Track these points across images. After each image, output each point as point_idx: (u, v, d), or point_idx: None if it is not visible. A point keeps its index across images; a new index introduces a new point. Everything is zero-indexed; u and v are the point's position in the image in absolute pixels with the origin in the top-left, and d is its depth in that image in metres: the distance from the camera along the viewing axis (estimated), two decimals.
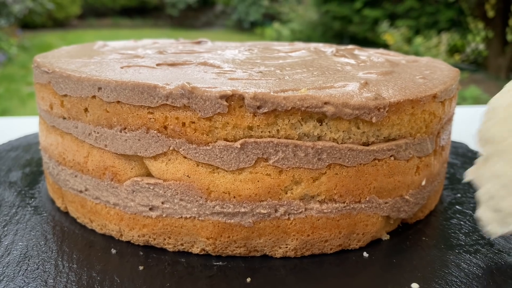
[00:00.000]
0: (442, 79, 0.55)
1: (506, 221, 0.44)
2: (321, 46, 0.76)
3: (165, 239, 0.49)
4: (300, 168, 0.45)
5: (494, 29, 4.79)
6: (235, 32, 8.91)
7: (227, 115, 0.43)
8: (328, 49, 0.70)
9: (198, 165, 0.45)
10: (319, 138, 0.45)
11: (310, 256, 0.49)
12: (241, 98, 0.43)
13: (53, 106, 0.52)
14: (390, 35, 5.26)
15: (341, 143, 0.45)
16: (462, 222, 0.56)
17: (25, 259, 0.47)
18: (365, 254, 0.49)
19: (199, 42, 0.79)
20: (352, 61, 0.61)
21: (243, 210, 0.46)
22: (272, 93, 0.43)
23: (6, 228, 0.53)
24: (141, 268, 0.46)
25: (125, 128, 0.46)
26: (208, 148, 0.44)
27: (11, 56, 5.12)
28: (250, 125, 0.44)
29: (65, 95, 0.50)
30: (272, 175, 0.45)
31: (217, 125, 0.44)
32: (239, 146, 0.44)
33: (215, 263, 0.47)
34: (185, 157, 0.45)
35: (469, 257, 0.49)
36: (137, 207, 0.48)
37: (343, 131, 0.45)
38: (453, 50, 5.17)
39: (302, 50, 0.68)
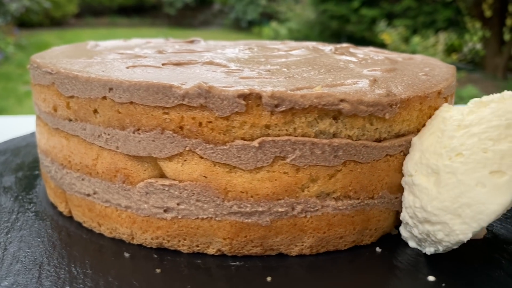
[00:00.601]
0: (443, 76, 0.57)
1: (421, 244, 0.48)
2: (315, 44, 0.76)
3: (179, 241, 0.48)
4: (316, 165, 0.45)
5: (491, 29, 4.80)
6: (233, 31, 8.87)
7: (245, 114, 0.43)
8: (326, 47, 0.71)
9: (215, 165, 0.45)
10: (334, 135, 0.45)
11: (324, 253, 0.49)
12: (259, 97, 0.43)
13: (57, 108, 0.51)
14: (388, 34, 5.27)
15: (356, 140, 0.46)
16: None
17: (36, 266, 0.45)
18: (378, 249, 0.50)
19: (192, 41, 0.78)
20: (353, 59, 0.62)
21: (260, 209, 0.46)
22: (289, 92, 0.43)
23: (9, 235, 0.51)
24: (158, 271, 0.45)
25: (138, 129, 0.45)
26: (225, 147, 0.44)
27: (8, 54, 5.06)
28: (268, 123, 0.44)
29: (72, 97, 0.49)
30: (290, 173, 0.45)
31: (234, 124, 0.44)
32: (257, 145, 0.44)
33: (232, 263, 0.47)
34: (201, 157, 0.45)
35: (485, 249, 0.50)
36: (151, 209, 0.47)
37: (357, 128, 0.45)
38: (450, 50, 5.20)
39: (301, 48, 0.68)
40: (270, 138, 0.44)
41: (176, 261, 0.47)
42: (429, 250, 0.47)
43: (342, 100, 0.44)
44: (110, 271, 0.45)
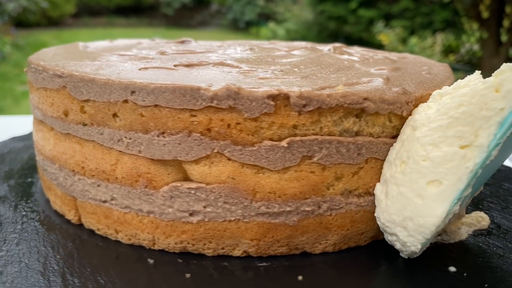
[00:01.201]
0: (444, 74, 0.59)
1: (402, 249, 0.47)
2: (305, 44, 0.77)
3: (205, 244, 0.48)
4: (341, 164, 0.46)
5: (489, 30, 4.81)
6: (231, 31, 8.77)
7: (273, 114, 0.43)
8: (323, 47, 0.72)
9: (243, 167, 0.45)
10: (356, 133, 0.46)
11: (345, 249, 0.50)
12: (286, 97, 0.43)
13: (69, 112, 0.49)
14: (385, 35, 5.30)
15: (376, 138, 0.47)
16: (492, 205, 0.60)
17: (59, 277, 0.43)
18: None
19: (183, 42, 0.77)
20: (355, 58, 0.63)
21: (288, 209, 0.46)
22: (316, 92, 0.44)
23: (20, 247, 0.48)
24: (187, 275, 0.45)
25: (163, 133, 0.44)
26: (254, 148, 0.44)
27: (5, 54, 4.96)
28: (296, 123, 0.44)
29: (87, 100, 0.47)
30: (316, 172, 0.46)
31: (263, 125, 0.44)
32: (286, 145, 0.44)
33: (259, 264, 0.47)
34: (229, 159, 0.44)
35: (502, 240, 0.52)
36: (176, 213, 0.47)
37: (378, 126, 0.47)
38: (447, 51, 5.22)
39: (301, 48, 0.68)
40: (298, 138, 0.44)
41: (202, 264, 0.47)
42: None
43: (365, 99, 0.45)
44: (139, 279, 0.44)
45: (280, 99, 0.43)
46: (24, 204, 0.59)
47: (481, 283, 0.44)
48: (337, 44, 0.78)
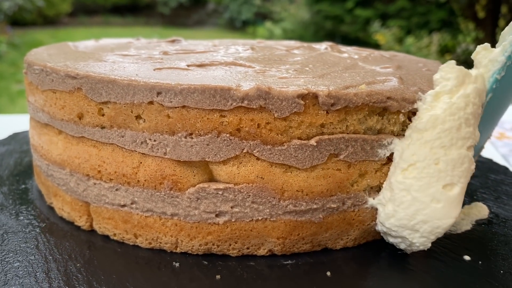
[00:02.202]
0: None
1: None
2: (294, 43, 0.78)
3: (230, 245, 0.47)
4: (365, 161, 0.47)
5: (485, 30, 4.88)
6: (227, 31, 8.58)
7: (303, 114, 0.44)
8: (319, 46, 0.73)
9: (271, 166, 0.45)
10: (378, 131, 0.47)
11: (363, 244, 0.51)
12: (315, 96, 0.44)
13: (84, 115, 0.47)
14: (382, 35, 5.29)
15: (397, 135, 0.48)
16: (485, 196, 0.63)
17: (84, 285, 0.42)
18: None
19: (173, 41, 0.76)
20: (355, 56, 0.64)
21: (315, 206, 0.46)
22: (343, 91, 0.44)
23: (34, 257, 0.46)
24: (218, 277, 0.44)
25: (191, 134, 0.44)
26: (283, 148, 0.44)
27: (0, 53, 4.84)
28: (324, 122, 0.44)
29: (106, 102, 0.45)
30: (342, 170, 0.46)
31: (292, 125, 0.44)
32: (314, 144, 0.44)
33: (284, 262, 0.47)
34: (258, 159, 0.44)
35: (503, 228, 0.55)
36: (202, 214, 0.46)
37: (399, 124, 0.48)
38: (444, 50, 5.23)
39: (299, 47, 0.69)
40: (326, 137, 0.45)
41: (228, 265, 0.46)
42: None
43: (388, 98, 0.46)
44: (169, 283, 0.43)
45: (309, 98, 0.43)
46: (25, 211, 0.56)
47: (496, 270, 0.47)
48: (329, 43, 0.79)
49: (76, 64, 0.50)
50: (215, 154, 0.44)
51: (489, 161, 0.79)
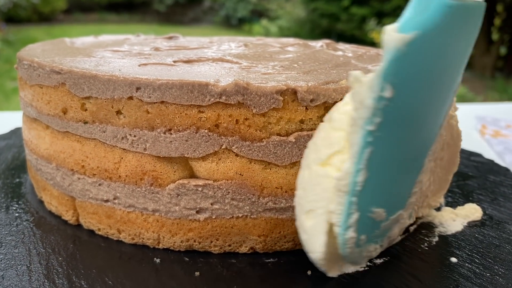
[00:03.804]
0: None
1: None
2: (295, 41, 0.78)
3: (212, 242, 0.47)
4: None
5: (480, 28, 4.89)
6: (223, 28, 8.63)
7: (282, 110, 0.43)
8: (315, 43, 0.72)
9: (251, 162, 0.44)
10: None
11: None
12: (294, 92, 0.43)
13: (68, 110, 0.48)
14: (378, 33, 5.29)
15: None
16: (481, 197, 0.62)
17: (65, 280, 0.42)
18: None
19: (171, 38, 0.76)
20: (349, 54, 0.64)
21: (294, 204, 0.46)
22: (322, 86, 0.44)
23: (18, 250, 0.47)
24: (197, 274, 0.44)
25: (170, 129, 0.44)
26: (262, 144, 0.44)
27: None
28: (303, 118, 0.44)
29: (88, 97, 0.46)
30: None
31: (271, 121, 0.43)
32: (293, 140, 0.44)
33: (266, 261, 0.47)
34: (237, 155, 0.44)
35: (496, 230, 0.54)
36: (182, 211, 0.46)
37: None
38: None
39: (294, 45, 0.69)
40: (305, 133, 0.44)
41: (209, 262, 0.46)
42: None
43: None
44: (148, 279, 0.43)
45: (288, 94, 0.43)
46: (15, 205, 0.57)
47: (483, 272, 0.46)
48: (327, 41, 0.78)
49: (62, 60, 0.50)
50: (194, 150, 0.44)
51: (491, 162, 0.77)
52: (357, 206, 0.38)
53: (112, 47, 0.62)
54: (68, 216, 0.52)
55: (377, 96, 0.34)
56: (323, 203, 0.38)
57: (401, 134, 0.38)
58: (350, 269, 0.45)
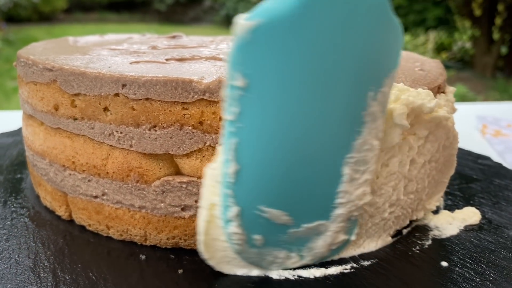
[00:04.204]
0: (436, 70, 0.59)
1: None
2: None
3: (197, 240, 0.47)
4: None
5: (481, 28, 4.79)
6: (224, 28, 8.70)
7: None
8: None
9: None
10: None
11: None
12: None
13: (59, 106, 0.48)
14: None
15: None
16: (483, 201, 0.60)
17: (49, 274, 0.43)
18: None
19: (174, 37, 0.77)
20: None
21: None
22: None
23: (10, 243, 0.48)
24: (180, 271, 0.44)
25: (155, 126, 0.44)
26: None
27: None
28: None
29: (78, 94, 0.46)
30: None
31: None
32: None
33: None
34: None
35: (493, 235, 0.52)
36: (168, 208, 0.46)
37: None
38: (440, 48, 5.18)
39: None
40: None
41: (195, 260, 0.46)
42: None
43: None
44: (132, 275, 0.43)
45: None
46: (13, 200, 0.58)
47: (473, 277, 0.44)
48: None
49: (56, 58, 0.51)
50: (178, 147, 0.44)
51: (498, 165, 0.75)
52: (235, 199, 0.38)
53: (111, 45, 0.62)
54: (61, 212, 0.53)
55: (229, 85, 0.34)
56: (207, 193, 0.40)
57: (277, 130, 0.35)
58: (255, 271, 0.43)
